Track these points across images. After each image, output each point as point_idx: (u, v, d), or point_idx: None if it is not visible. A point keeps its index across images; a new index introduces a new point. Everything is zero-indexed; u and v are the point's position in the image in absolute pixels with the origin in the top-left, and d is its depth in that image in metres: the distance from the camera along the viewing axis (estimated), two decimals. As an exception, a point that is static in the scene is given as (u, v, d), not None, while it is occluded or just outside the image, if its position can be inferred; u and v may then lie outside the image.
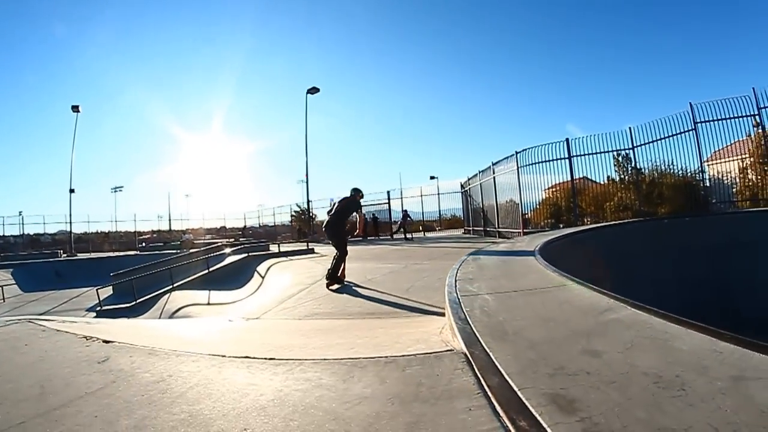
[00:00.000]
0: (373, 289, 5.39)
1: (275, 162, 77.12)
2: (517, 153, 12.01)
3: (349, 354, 2.14)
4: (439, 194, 23.29)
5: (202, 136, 72.08)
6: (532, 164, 11.86)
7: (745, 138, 9.98)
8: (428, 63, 77.41)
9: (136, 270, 10.38)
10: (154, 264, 10.84)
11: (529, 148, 11.90)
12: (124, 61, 63.81)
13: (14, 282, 13.41)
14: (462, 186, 19.90)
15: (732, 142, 10.08)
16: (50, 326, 3.31)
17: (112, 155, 73.08)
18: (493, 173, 13.70)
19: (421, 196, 23.29)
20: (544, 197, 12.62)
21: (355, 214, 6.28)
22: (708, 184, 10.85)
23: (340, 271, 5.97)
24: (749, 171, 10.26)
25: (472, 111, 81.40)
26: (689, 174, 10.65)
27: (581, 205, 12.19)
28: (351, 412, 1.41)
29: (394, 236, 19.67)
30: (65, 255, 21.77)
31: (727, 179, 10.54)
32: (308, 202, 23.78)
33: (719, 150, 10.28)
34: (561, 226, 11.64)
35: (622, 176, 11.71)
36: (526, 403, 1.24)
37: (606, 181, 11.95)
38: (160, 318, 7.31)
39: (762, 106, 9.39)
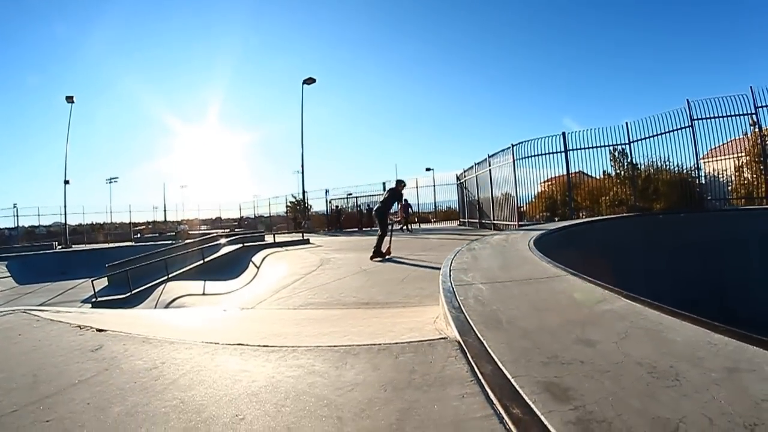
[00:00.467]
0: (368, 279, 5.40)
1: (271, 153, 76.46)
2: (513, 146, 11.96)
3: (343, 341, 2.14)
4: (434, 186, 23.19)
5: (197, 127, 70.88)
6: (528, 157, 11.83)
7: (741, 136, 10.00)
8: (425, 55, 76.87)
9: (132, 261, 10.35)
10: (149, 255, 10.80)
11: (525, 141, 11.87)
12: (118, 51, 62.74)
13: (9, 274, 13.30)
14: (458, 178, 19.78)
15: (728, 140, 10.10)
16: (44, 316, 3.29)
17: (107, 146, 72.37)
18: (489, 165, 13.67)
19: (417, 187, 23.24)
20: (539, 190, 12.64)
21: (396, 203, 7.57)
22: (704, 182, 10.90)
23: (383, 247, 7.11)
24: (745, 169, 10.29)
25: (469, 103, 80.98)
26: (685, 171, 10.68)
27: (577, 199, 12.22)
28: (343, 399, 1.40)
29: (393, 228, 19.41)
30: (60, 247, 21.60)
31: (723, 177, 10.58)
32: (304, 192, 23.58)
33: (715, 148, 10.28)
34: (556, 219, 11.68)
35: (618, 171, 11.73)
36: (520, 390, 1.24)
37: (602, 176, 11.99)
38: (155, 308, 7.29)
39: (759, 105, 9.39)
